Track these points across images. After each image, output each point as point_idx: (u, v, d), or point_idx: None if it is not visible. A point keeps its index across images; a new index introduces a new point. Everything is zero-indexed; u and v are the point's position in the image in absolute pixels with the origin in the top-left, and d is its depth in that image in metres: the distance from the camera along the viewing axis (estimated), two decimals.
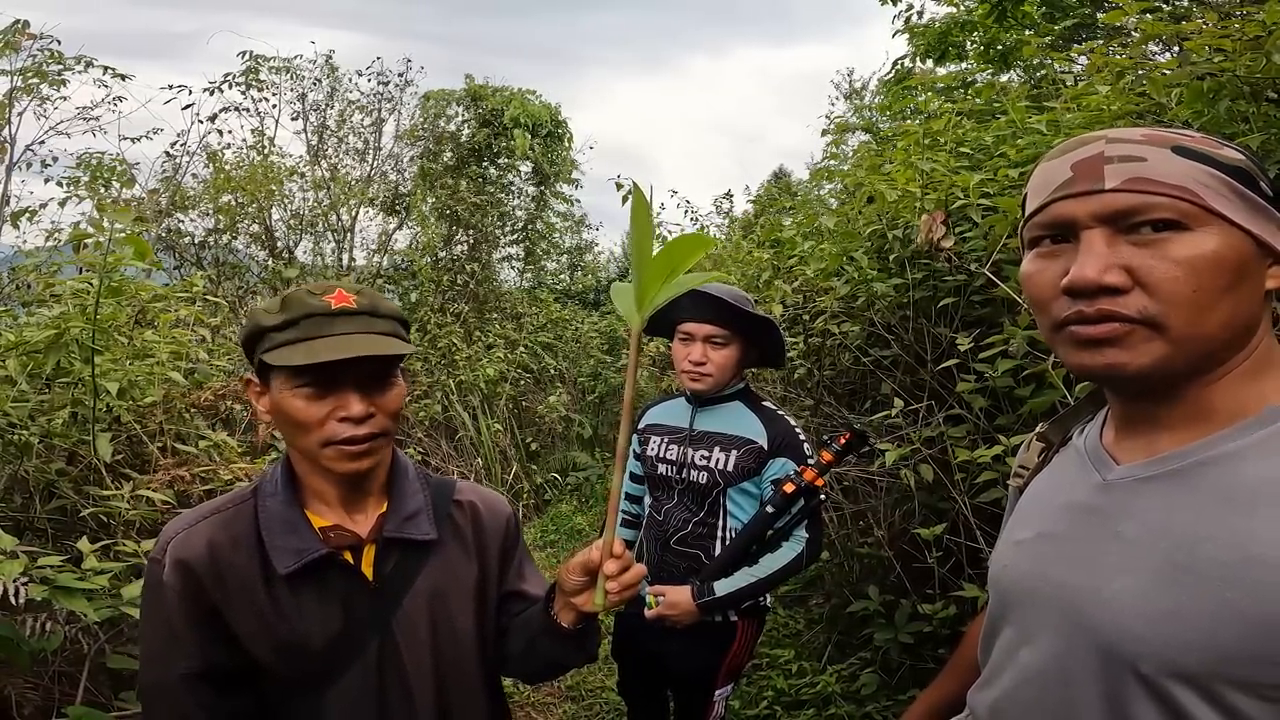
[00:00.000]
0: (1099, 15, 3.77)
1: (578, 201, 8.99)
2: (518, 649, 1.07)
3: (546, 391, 7.23)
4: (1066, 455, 0.83)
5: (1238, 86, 1.54)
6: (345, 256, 7.61)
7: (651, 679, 2.03)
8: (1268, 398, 0.67)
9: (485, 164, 7.91)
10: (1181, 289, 0.63)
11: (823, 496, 1.81)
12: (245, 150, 6.55)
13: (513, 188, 8.33)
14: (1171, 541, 0.64)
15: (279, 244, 6.83)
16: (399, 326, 1.01)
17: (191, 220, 6.09)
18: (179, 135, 6.20)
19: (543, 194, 8.45)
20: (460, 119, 7.87)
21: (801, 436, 1.86)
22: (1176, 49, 2.16)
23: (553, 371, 7.52)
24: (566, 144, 8.14)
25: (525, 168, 8.25)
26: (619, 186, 4.15)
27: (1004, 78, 4.80)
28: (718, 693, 1.91)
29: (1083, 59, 3.20)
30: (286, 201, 6.88)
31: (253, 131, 6.67)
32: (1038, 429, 0.92)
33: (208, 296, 3.64)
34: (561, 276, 9.54)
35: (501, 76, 8.86)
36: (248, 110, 6.67)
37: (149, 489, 2.14)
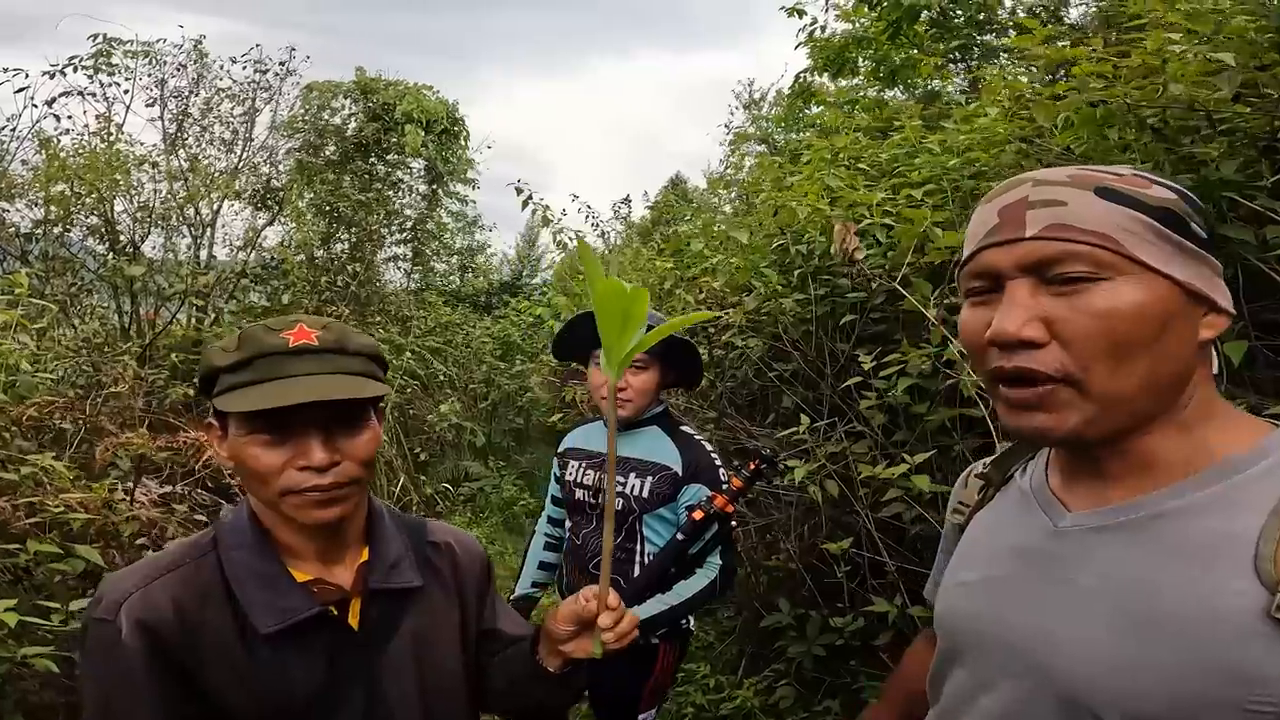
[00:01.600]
0: (981, 37, 4.01)
1: (472, 202, 8.70)
2: (498, 687, 1.07)
3: (435, 399, 6.91)
4: (1009, 496, 0.82)
5: (1125, 115, 1.60)
6: (204, 253, 6.98)
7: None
8: (1213, 451, 0.66)
9: (372, 160, 7.48)
10: (1097, 345, 0.62)
11: (734, 523, 1.81)
12: (87, 137, 5.88)
13: (403, 185, 7.94)
14: (1128, 592, 0.65)
15: (122, 238, 6.17)
16: (373, 365, 0.95)
17: (17, 210, 5.40)
18: (8, 120, 5.50)
19: (435, 193, 8.09)
20: (347, 112, 7.41)
21: (718, 462, 1.85)
22: (1057, 74, 2.26)
23: (442, 378, 7.20)
24: (463, 142, 7.84)
25: (417, 165, 7.87)
26: (519, 191, 3.99)
27: (888, 94, 5.01)
28: (641, 716, 1.91)
29: (963, 79, 3.36)
30: (134, 192, 6.23)
31: (97, 117, 6.00)
32: (977, 466, 0.92)
33: (32, 298, 3.19)
34: (451, 278, 9.18)
35: (396, 70, 8.42)
36: (94, 95, 6.00)
37: None
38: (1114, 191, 0.65)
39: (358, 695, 0.92)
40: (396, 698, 0.95)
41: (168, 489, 3.60)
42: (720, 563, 1.80)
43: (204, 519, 2.85)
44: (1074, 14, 4.03)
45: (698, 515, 1.72)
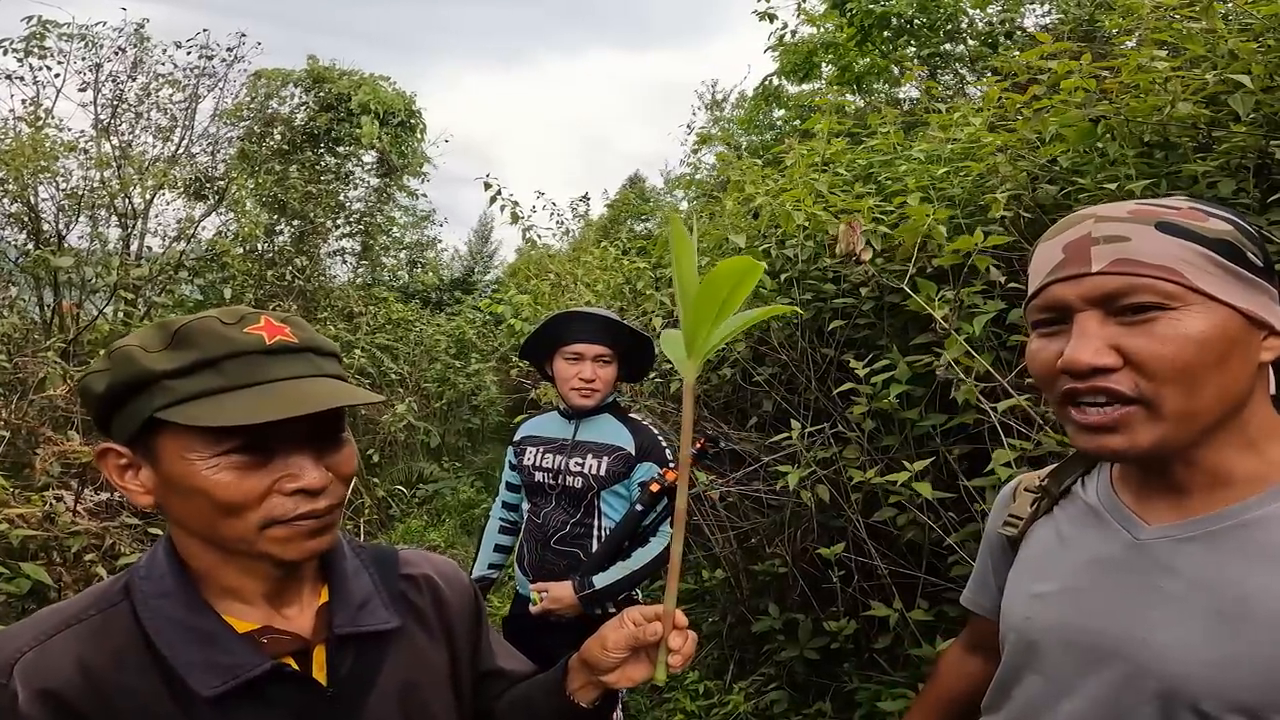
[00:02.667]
0: (944, 45, 4.12)
1: (424, 195, 8.49)
2: None
3: (387, 398, 6.72)
4: (1073, 509, 0.86)
5: (1125, 130, 1.64)
6: (135, 244, 6.63)
7: None
8: None
9: (322, 150, 7.20)
10: (1169, 366, 0.66)
11: None
12: (13, 121, 5.54)
13: (353, 178, 7.67)
14: (1220, 595, 0.69)
15: (46, 227, 5.82)
16: (341, 367, 0.81)
17: None
18: None
19: (387, 186, 7.85)
20: (296, 101, 7.11)
21: (664, 443, 2.05)
22: (1029, 85, 2.31)
23: (393, 376, 7.00)
24: (419, 135, 7.61)
25: (369, 157, 7.62)
26: (487, 186, 3.89)
27: (849, 99, 5.08)
28: None
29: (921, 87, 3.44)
30: (60, 180, 5.86)
31: (23, 102, 5.65)
32: (1029, 479, 0.94)
33: None
34: (400, 274, 8.95)
35: (351, 60, 8.08)
36: (22, 79, 5.66)
37: None
38: (1174, 226, 0.69)
39: None
40: None
41: (103, 496, 3.38)
42: (671, 531, 1.89)
43: (158, 530, 2.69)
44: (1029, 23, 4.17)
45: (654, 488, 1.92)
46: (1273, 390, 0.76)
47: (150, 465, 0.74)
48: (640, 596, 2.10)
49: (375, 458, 6.26)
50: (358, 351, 6.53)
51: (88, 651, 0.72)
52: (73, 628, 0.74)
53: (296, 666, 0.79)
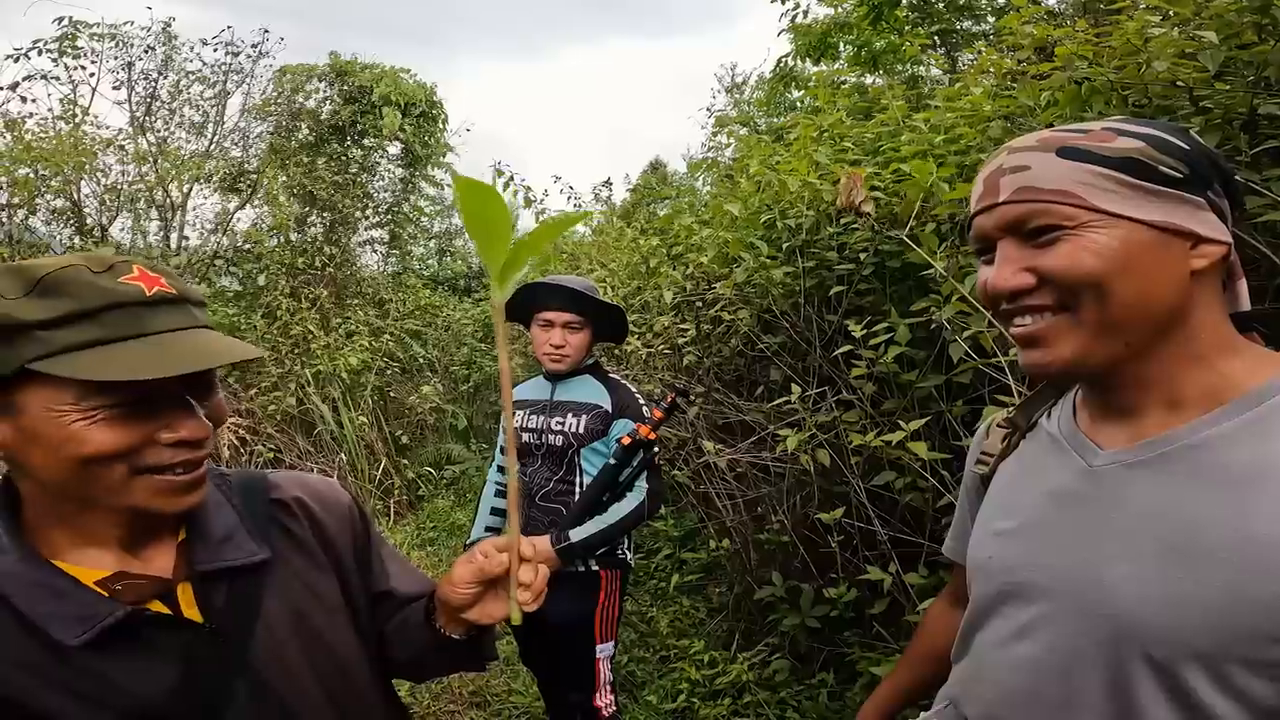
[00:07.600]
0: (961, 24, 4.07)
1: (449, 186, 8.62)
2: (404, 658, 0.94)
3: (415, 381, 6.87)
4: (1037, 440, 0.83)
5: (1109, 92, 1.65)
6: (174, 236, 6.87)
7: (543, 643, 2.16)
8: (1239, 382, 0.68)
9: (348, 143, 7.37)
10: (1076, 277, 0.68)
11: (656, 449, 2.06)
12: (52, 120, 5.76)
13: (379, 169, 7.84)
14: (1170, 525, 0.65)
15: (89, 221, 6.05)
16: (207, 316, 0.80)
17: None
18: None
19: (412, 176, 8.00)
20: (321, 95, 7.29)
21: (641, 401, 2.13)
22: (1040, 53, 2.31)
23: (421, 360, 7.16)
24: (441, 125, 7.73)
25: (393, 149, 7.78)
26: (500, 174, 3.97)
27: (869, 79, 5.05)
28: (599, 649, 2.06)
29: (944, 69, 3.43)
30: (100, 175, 6.10)
31: (61, 100, 5.89)
32: (999, 415, 0.92)
33: None
34: (429, 262, 9.12)
35: (373, 54, 8.31)
36: (58, 79, 5.89)
37: None
38: (1075, 149, 0.69)
39: (237, 690, 0.78)
40: (288, 687, 0.81)
41: None
42: (647, 486, 2.02)
43: None
44: (1051, 0, 4.10)
45: (625, 441, 1.98)
46: (1245, 307, 0.74)
47: (4, 417, 0.69)
48: (630, 558, 2.15)
49: (405, 439, 6.41)
50: (387, 336, 6.69)
51: None
52: None
53: (165, 609, 0.77)
